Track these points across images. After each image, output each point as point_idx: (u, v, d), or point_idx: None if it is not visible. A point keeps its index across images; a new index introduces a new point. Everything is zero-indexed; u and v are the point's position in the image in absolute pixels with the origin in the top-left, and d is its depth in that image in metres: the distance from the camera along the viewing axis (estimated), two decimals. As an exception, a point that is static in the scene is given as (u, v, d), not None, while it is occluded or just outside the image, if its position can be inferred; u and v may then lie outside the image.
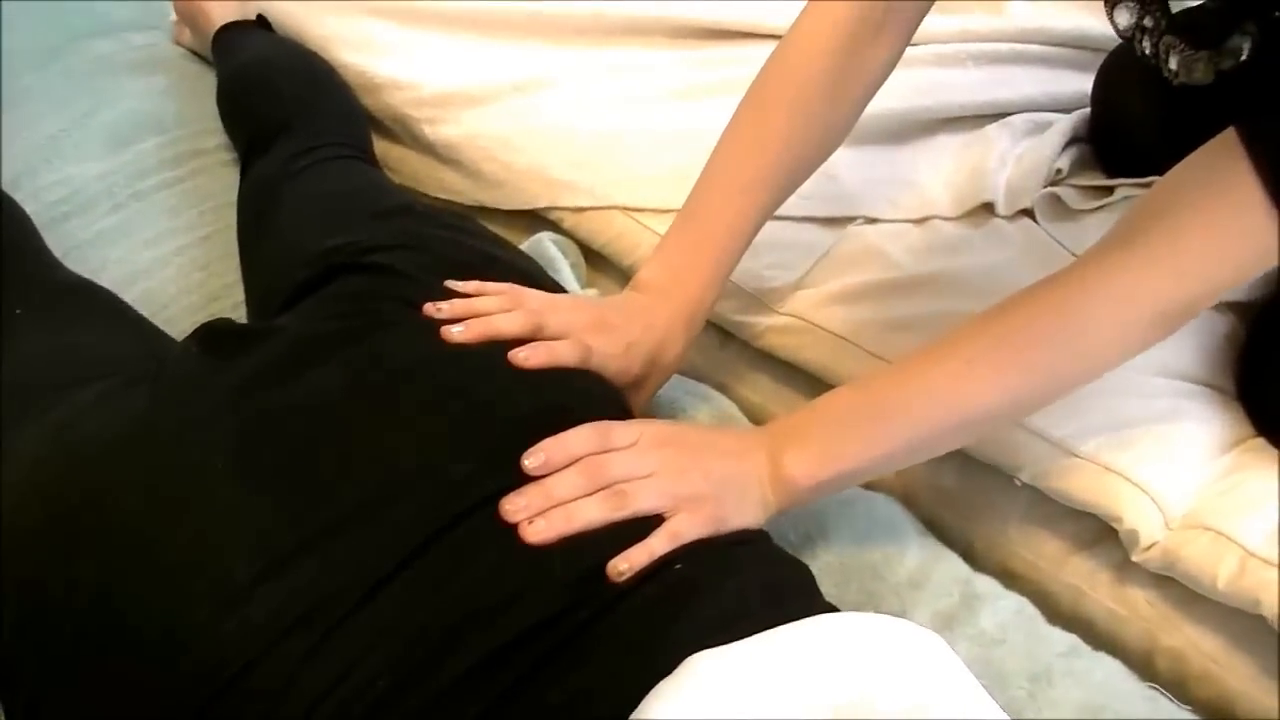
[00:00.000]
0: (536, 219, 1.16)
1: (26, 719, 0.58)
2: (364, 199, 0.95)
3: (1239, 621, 0.80)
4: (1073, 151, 1.05)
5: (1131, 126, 1.02)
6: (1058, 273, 0.72)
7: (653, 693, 0.49)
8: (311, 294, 0.76)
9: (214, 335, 0.70)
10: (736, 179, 0.83)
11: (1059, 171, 1.03)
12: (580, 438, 0.65)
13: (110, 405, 0.67)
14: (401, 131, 1.24)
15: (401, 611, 0.56)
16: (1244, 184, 0.62)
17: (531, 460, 0.63)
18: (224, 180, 1.20)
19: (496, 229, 1.20)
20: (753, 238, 0.84)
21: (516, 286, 0.76)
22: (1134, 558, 0.82)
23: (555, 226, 1.13)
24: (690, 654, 0.51)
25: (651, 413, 0.94)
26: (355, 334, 0.70)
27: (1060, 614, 0.86)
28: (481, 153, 1.17)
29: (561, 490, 0.62)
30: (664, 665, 0.51)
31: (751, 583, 0.62)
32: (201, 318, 1.10)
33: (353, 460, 0.62)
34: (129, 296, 1.08)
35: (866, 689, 0.49)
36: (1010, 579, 0.88)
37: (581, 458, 0.64)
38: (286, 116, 1.13)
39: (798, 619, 0.55)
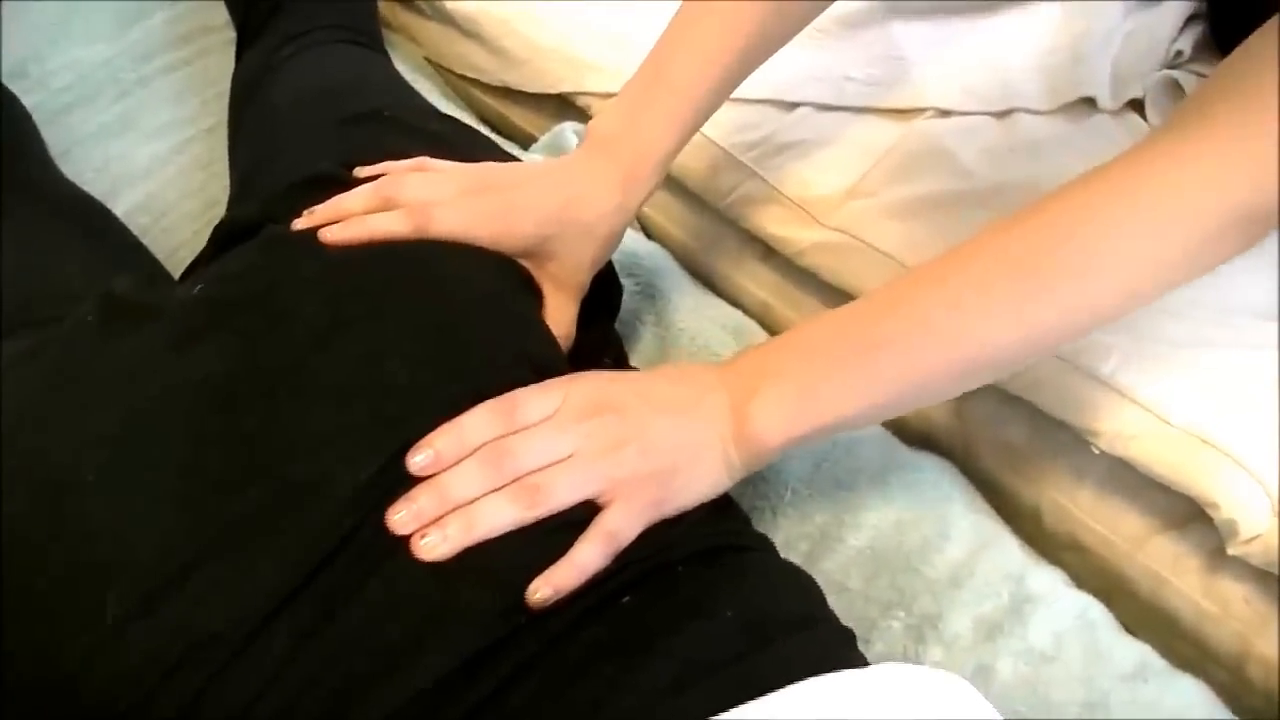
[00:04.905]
0: (566, 104, 1.02)
1: None
2: (334, 103, 0.83)
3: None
4: (1196, 30, 0.84)
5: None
6: (1094, 170, 0.54)
7: None
8: (237, 244, 0.66)
9: (110, 306, 0.60)
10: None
11: (1179, 54, 0.83)
12: (479, 421, 0.53)
13: (17, 371, 0.59)
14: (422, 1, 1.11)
15: (284, 660, 0.47)
16: None
17: (420, 458, 0.51)
18: (230, 63, 1.09)
19: (523, 115, 1.08)
20: (730, 84, 0.71)
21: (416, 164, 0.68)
22: (1230, 550, 0.69)
23: (584, 115, 1.00)
24: None
25: (667, 339, 0.82)
26: (258, 297, 0.59)
27: (1136, 604, 0.73)
28: (501, 25, 1.03)
29: (459, 489, 0.50)
30: None
31: (724, 622, 0.50)
32: (199, 226, 1.04)
33: (236, 458, 0.52)
34: (129, 200, 1.04)
35: None
36: (1081, 555, 0.75)
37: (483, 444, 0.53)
38: None
39: (783, 674, 0.44)
